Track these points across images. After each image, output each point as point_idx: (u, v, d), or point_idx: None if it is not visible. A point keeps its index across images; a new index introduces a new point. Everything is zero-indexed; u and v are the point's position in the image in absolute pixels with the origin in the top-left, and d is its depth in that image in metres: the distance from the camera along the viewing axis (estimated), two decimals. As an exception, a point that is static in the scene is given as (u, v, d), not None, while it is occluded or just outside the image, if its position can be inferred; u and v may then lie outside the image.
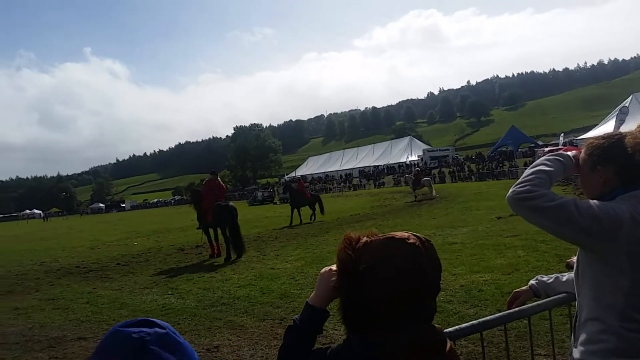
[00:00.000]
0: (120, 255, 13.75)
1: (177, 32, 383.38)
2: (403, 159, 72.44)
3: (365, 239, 1.23)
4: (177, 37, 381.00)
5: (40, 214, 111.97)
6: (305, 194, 20.53)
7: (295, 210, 19.36)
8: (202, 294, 7.58)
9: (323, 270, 1.32)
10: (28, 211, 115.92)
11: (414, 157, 70.71)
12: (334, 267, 1.27)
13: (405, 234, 1.21)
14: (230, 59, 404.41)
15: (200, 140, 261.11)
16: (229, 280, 8.51)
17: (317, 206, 19.83)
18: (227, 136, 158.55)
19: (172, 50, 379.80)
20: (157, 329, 0.94)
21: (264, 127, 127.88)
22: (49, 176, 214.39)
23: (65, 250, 17.28)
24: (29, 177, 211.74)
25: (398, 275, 1.13)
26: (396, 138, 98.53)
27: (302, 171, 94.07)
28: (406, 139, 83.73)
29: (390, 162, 73.51)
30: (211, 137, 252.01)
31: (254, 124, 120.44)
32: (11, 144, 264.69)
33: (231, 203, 12.19)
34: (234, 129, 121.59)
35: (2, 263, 14.37)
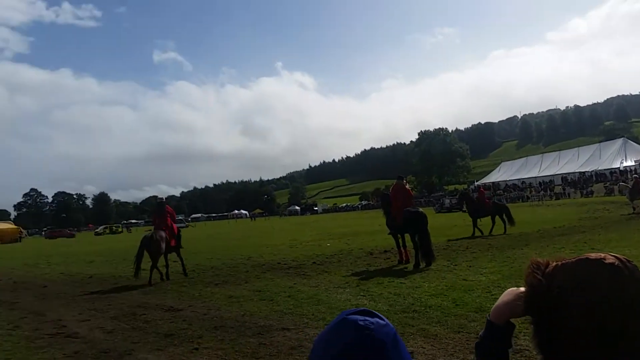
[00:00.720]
0: (315, 255, 14.73)
1: (358, 42, 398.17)
2: (616, 165, 63.33)
3: (555, 262, 1.11)
4: (358, 47, 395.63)
5: (246, 214, 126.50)
6: (485, 204, 19.16)
7: (478, 221, 18.33)
8: (393, 299, 7.68)
9: (509, 289, 1.26)
10: (236, 211, 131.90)
11: (629, 162, 61.38)
12: (522, 289, 1.18)
13: (602, 254, 1.05)
14: (411, 63, 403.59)
15: (384, 146, 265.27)
16: (419, 288, 8.45)
17: (504, 217, 18.23)
18: (411, 141, 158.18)
19: (354, 59, 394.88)
20: (378, 320, 1.03)
21: (450, 131, 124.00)
22: (253, 180, 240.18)
23: (268, 247, 19.17)
24: (237, 181, 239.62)
25: (596, 300, 0.99)
26: (606, 140, 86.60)
27: (494, 177, 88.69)
28: (618, 142, 72.88)
29: (599, 168, 64.87)
30: (395, 143, 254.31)
31: (439, 128, 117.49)
32: (221, 152, 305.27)
33: (420, 209, 12.05)
34: (419, 134, 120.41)
35: (218, 256, 16.62)
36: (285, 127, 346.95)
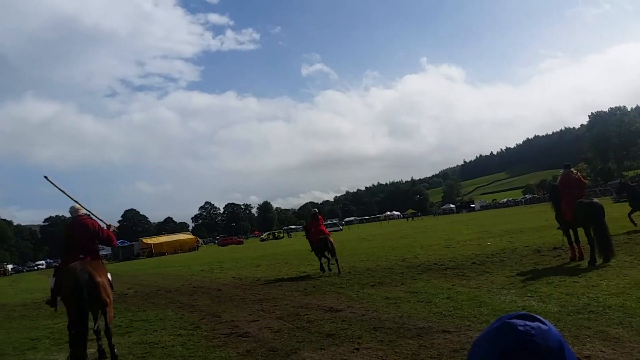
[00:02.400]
0: (474, 255, 14.05)
1: (508, 24, 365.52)
2: None
3: None
4: (508, 29, 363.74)
5: (398, 215, 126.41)
6: None
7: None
8: (565, 299, 6.98)
9: None
10: (388, 212, 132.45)
11: None
12: None
13: None
14: (573, 39, 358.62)
15: (550, 133, 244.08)
16: (596, 287, 7.56)
17: None
18: (581, 125, 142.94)
19: (505, 43, 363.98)
20: (539, 324, 1.02)
21: (629, 109, 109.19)
22: (404, 181, 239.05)
23: (423, 248, 18.81)
24: (388, 182, 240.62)
25: None
26: None
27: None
28: None
29: None
30: (562, 129, 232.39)
31: (615, 107, 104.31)
32: (369, 155, 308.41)
33: (596, 200, 10.83)
34: (589, 116, 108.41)
35: (373, 259, 16.80)
36: (432, 124, 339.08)
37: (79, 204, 7.51)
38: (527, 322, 1.01)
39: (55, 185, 7.46)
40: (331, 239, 14.43)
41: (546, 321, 1.02)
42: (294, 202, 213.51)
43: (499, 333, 1.02)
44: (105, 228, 7.52)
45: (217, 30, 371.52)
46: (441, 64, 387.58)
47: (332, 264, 14.33)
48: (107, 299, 6.72)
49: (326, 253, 14.34)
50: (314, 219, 15.82)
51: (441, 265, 12.65)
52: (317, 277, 13.42)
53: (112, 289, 7.13)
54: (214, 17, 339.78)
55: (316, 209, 17.73)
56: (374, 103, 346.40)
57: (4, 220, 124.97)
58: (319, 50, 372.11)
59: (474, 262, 12.36)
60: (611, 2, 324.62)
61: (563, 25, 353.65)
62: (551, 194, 12.36)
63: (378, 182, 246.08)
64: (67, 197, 7.55)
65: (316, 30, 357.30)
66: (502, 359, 0.98)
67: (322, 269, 14.43)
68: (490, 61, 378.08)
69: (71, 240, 7.21)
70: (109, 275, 7.10)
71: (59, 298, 7.00)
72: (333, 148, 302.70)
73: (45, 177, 7.54)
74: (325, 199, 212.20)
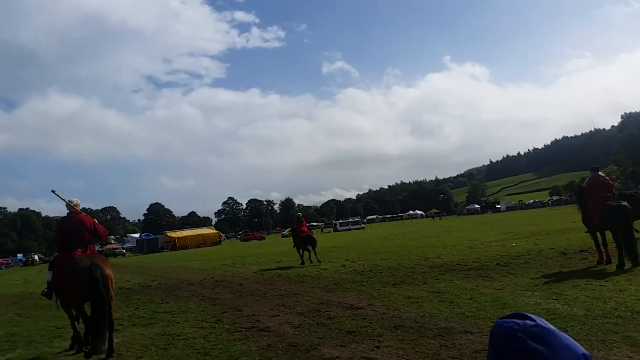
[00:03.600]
0: (498, 256, 13.85)
1: (534, 23, 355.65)
2: None
3: None
4: (534, 28, 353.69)
5: (421, 214, 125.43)
6: None
7: None
8: (591, 303, 6.82)
9: None
10: (411, 212, 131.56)
11: None
12: None
13: None
14: (601, 38, 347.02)
15: (579, 134, 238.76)
16: (624, 291, 7.37)
17: None
18: (612, 126, 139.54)
19: (530, 42, 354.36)
20: (527, 321, 1.11)
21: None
22: (427, 180, 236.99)
23: (446, 248, 18.61)
24: (411, 181, 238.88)
25: None
26: None
27: None
28: None
29: None
30: (592, 130, 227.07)
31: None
32: (391, 153, 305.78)
33: (624, 203, 10.59)
34: (622, 116, 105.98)
35: (394, 258, 16.68)
36: (456, 123, 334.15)
37: (84, 213, 7.63)
38: (515, 320, 1.12)
39: (61, 198, 7.60)
40: (313, 236, 19.18)
41: (538, 318, 1.12)
42: (315, 200, 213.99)
43: (492, 332, 1.16)
44: (98, 223, 7.66)
45: (243, 27, 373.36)
46: (465, 62, 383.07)
47: (312, 256, 18.03)
48: (112, 292, 6.87)
49: (309, 247, 18.34)
50: (298, 222, 19.76)
51: (464, 265, 12.51)
52: (337, 274, 13.41)
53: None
54: (240, 15, 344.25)
55: (300, 214, 23.94)
56: (396, 101, 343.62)
57: (32, 211, 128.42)
58: (340, 49, 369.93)
59: (498, 263, 12.18)
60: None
61: (591, 25, 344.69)
62: (577, 197, 12.16)
63: (401, 181, 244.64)
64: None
65: (337, 28, 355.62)
66: (494, 354, 1.13)
67: (302, 262, 17.99)
68: (515, 60, 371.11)
69: (67, 235, 7.30)
70: None
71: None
72: (355, 146, 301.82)
73: (53, 191, 7.65)
74: (347, 197, 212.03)
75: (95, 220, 7.68)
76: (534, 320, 1.11)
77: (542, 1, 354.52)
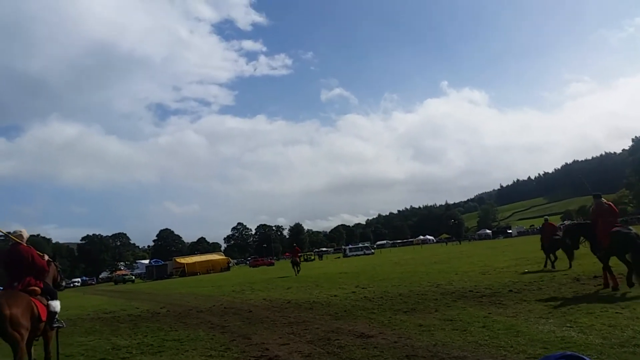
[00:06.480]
0: (511, 282, 13.65)
1: (530, 48, 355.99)
2: None
3: None
4: (530, 53, 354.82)
5: (432, 239, 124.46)
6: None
7: None
8: (607, 331, 6.67)
9: None
10: (422, 237, 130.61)
11: None
12: None
13: None
14: (599, 63, 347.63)
15: (589, 158, 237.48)
16: (640, 319, 7.23)
17: None
18: (622, 150, 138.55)
19: (527, 67, 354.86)
20: None
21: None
22: (437, 205, 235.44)
23: (458, 274, 18.37)
24: (421, 206, 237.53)
25: None
26: None
27: None
28: None
29: None
30: (603, 154, 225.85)
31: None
32: (395, 178, 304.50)
33: (633, 230, 10.57)
34: (633, 139, 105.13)
35: (405, 284, 16.47)
36: (458, 147, 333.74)
37: (26, 245, 7.28)
38: None
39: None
40: (299, 260, 33.87)
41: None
42: (322, 225, 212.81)
43: None
44: (41, 258, 7.32)
45: (251, 56, 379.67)
46: (462, 87, 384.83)
47: (299, 271, 31.18)
48: (15, 334, 6.13)
49: (295, 267, 31.70)
50: (293, 250, 34.43)
51: (477, 292, 12.33)
52: (347, 301, 13.25)
53: (48, 320, 7.03)
54: (248, 44, 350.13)
55: (295, 244, 41.88)
56: (396, 126, 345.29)
57: (43, 237, 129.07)
58: (336, 76, 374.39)
59: (510, 290, 12.00)
60: (635, 26, 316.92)
61: (587, 49, 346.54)
62: (581, 233, 12.07)
63: (410, 206, 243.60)
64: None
65: (332, 55, 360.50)
66: None
67: (296, 274, 29.98)
68: (513, 85, 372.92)
69: (8, 268, 7.09)
70: (53, 306, 7.02)
71: None
72: (358, 171, 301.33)
73: None
74: (356, 222, 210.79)
75: (34, 252, 7.28)
76: None
77: (535, 27, 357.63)
